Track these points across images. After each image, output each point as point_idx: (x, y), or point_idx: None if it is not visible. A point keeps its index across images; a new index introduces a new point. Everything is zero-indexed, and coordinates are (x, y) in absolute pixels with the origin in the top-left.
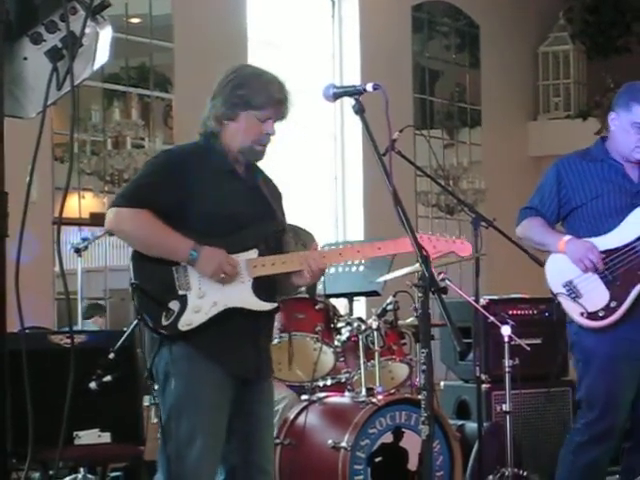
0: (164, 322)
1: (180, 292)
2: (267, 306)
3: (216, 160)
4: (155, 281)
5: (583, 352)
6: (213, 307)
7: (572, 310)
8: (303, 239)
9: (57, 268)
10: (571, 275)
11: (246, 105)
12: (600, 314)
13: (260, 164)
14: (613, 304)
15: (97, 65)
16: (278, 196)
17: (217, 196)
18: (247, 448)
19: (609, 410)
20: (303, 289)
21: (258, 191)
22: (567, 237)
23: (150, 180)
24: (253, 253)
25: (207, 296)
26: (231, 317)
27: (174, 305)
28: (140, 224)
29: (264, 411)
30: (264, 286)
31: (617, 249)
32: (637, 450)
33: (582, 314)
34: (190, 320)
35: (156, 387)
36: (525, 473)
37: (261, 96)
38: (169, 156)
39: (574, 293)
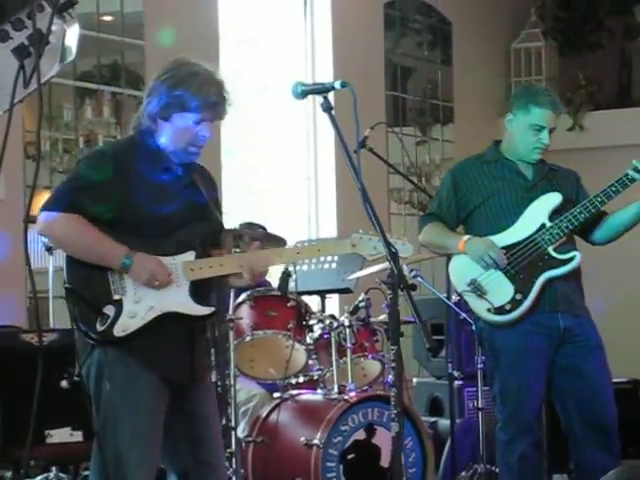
0: (99, 328)
1: (115, 296)
2: (205, 311)
3: (151, 159)
4: (90, 285)
5: (492, 349)
6: (149, 312)
7: (479, 307)
8: (275, 245)
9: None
10: (474, 273)
11: (181, 107)
12: (507, 307)
13: (233, 159)
14: (519, 296)
15: (64, 63)
16: (214, 190)
17: (152, 198)
18: (196, 449)
19: (522, 405)
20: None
21: (194, 188)
22: (466, 237)
23: (83, 183)
24: (190, 255)
25: (143, 301)
26: (167, 321)
27: (109, 310)
28: (71, 230)
29: (206, 410)
30: (201, 289)
31: (518, 243)
32: (576, 446)
33: (489, 310)
34: (126, 325)
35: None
36: (497, 469)
37: (197, 99)
38: (103, 157)
39: (479, 290)
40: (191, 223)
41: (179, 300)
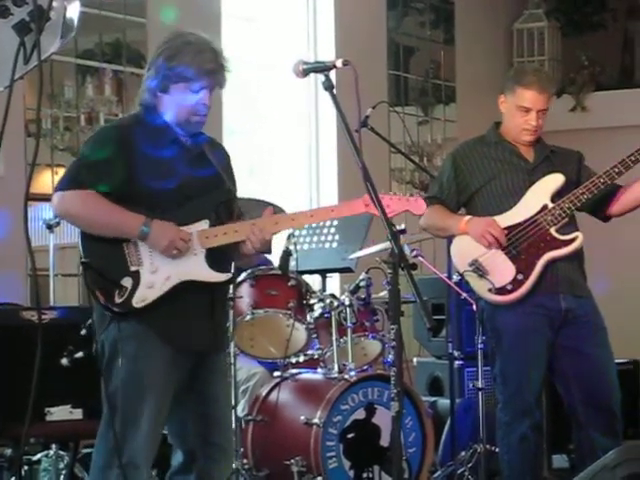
0: (117, 300)
1: (132, 268)
2: (221, 277)
3: (156, 134)
4: (106, 258)
5: (493, 329)
6: (167, 281)
7: (480, 287)
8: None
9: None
10: (476, 254)
11: (177, 78)
12: (508, 287)
13: (235, 137)
14: (520, 277)
15: (65, 39)
16: (226, 160)
17: (163, 170)
18: (205, 430)
19: (523, 386)
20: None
21: (204, 158)
22: (467, 217)
23: (91, 162)
24: (204, 224)
25: (160, 271)
26: (185, 290)
27: (127, 282)
28: (87, 206)
29: (216, 391)
30: (217, 257)
31: (519, 224)
32: (578, 426)
33: (490, 290)
34: (144, 296)
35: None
36: (497, 449)
37: (192, 68)
38: (110, 134)
39: (480, 270)
40: (203, 193)
41: (196, 268)
